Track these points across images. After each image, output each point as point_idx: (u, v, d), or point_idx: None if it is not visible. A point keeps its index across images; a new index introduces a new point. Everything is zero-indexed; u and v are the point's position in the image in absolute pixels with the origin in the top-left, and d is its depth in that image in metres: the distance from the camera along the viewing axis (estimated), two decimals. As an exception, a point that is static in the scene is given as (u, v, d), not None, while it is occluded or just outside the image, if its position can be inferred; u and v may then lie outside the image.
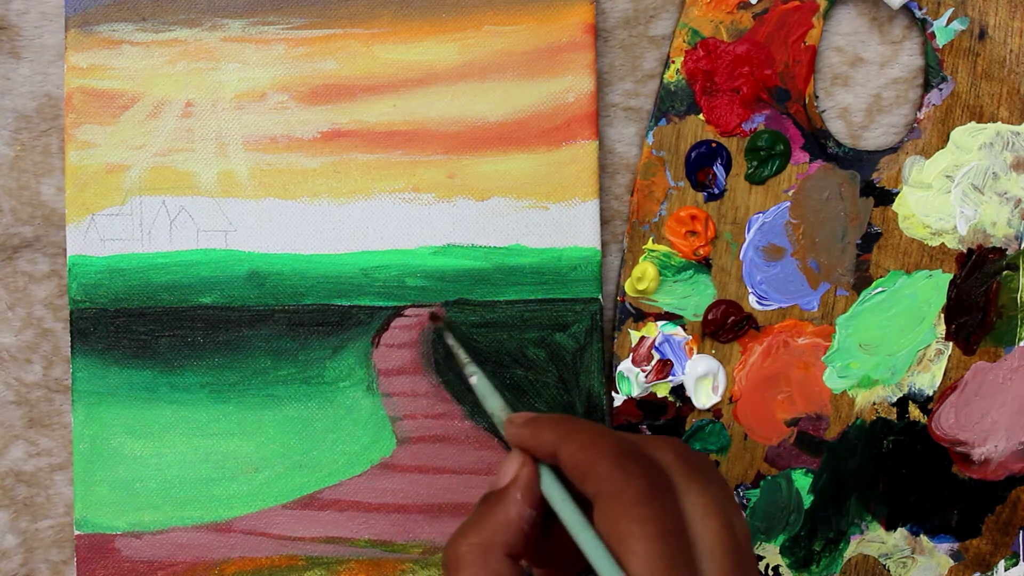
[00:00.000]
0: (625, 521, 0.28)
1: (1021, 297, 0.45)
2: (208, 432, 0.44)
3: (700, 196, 0.44)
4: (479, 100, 0.44)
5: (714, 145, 0.44)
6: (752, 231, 0.44)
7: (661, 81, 0.44)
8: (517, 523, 0.30)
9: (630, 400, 0.44)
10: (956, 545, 0.45)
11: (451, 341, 0.40)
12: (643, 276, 0.44)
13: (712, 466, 0.32)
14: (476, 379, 0.37)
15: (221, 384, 0.44)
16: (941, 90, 0.44)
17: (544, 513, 0.32)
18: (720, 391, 0.44)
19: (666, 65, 0.44)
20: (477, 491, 0.44)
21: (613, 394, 0.44)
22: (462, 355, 0.39)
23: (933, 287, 0.44)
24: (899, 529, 0.45)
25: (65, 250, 0.44)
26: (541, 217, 0.44)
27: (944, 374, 0.45)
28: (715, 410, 0.44)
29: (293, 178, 0.44)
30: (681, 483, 0.29)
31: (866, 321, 0.44)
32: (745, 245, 0.44)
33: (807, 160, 0.44)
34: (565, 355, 0.44)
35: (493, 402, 0.36)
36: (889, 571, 0.45)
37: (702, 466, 0.31)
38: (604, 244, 0.45)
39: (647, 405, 0.44)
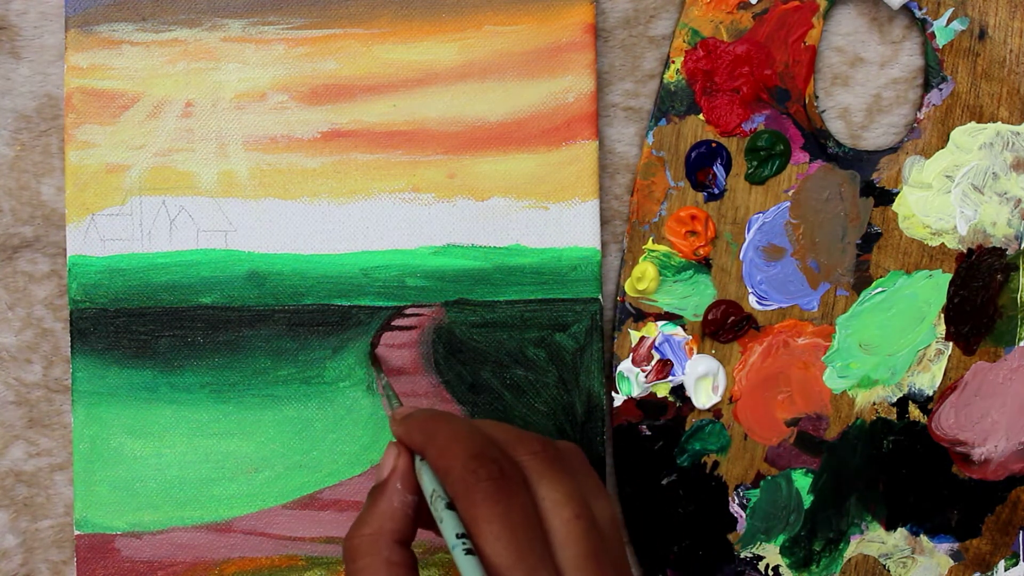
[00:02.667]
0: (474, 520, 0.31)
1: (1021, 297, 0.45)
2: (208, 432, 0.44)
3: (700, 196, 0.44)
4: (479, 100, 0.44)
5: (714, 145, 0.44)
6: (752, 231, 0.44)
7: (661, 81, 0.44)
8: (401, 510, 0.33)
9: (630, 400, 0.44)
10: (956, 545, 0.45)
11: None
12: (643, 276, 0.44)
13: (574, 458, 0.35)
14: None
15: (221, 384, 0.44)
16: (941, 90, 0.44)
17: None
18: (720, 391, 0.44)
19: (666, 65, 0.44)
20: (477, 491, 0.44)
21: (613, 394, 0.44)
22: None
23: (933, 287, 0.44)
24: (899, 529, 0.45)
25: (65, 250, 0.44)
26: (541, 217, 0.44)
27: (944, 374, 0.45)
28: (715, 410, 0.44)
29: (293, 178, 0.44)
30: (534, 479, 0.32)
31: (866, 321, 0.44)
32: (745, 245, 0.44)
33: (807, 160, 0.44)
34: (565, 355, 0.44)
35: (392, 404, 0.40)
36: (889, 571, 0.45)
37: (560, 460, 0.33)
38: (604, 244, 0.45)
39: (647, 405, 0.44)
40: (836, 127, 0.45)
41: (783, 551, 0.45)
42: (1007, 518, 0.45)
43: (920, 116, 0.44)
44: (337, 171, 0.44)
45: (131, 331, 0.44)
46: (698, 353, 0.44)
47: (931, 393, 0.45)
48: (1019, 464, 0.45)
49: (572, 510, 0.32)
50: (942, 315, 0.45)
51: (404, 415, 0.36)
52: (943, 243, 0.44)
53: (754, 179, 0.44)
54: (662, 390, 0.44)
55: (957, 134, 0.44)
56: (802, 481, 0.45)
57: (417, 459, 0.34)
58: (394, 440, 0.35)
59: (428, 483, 0.33)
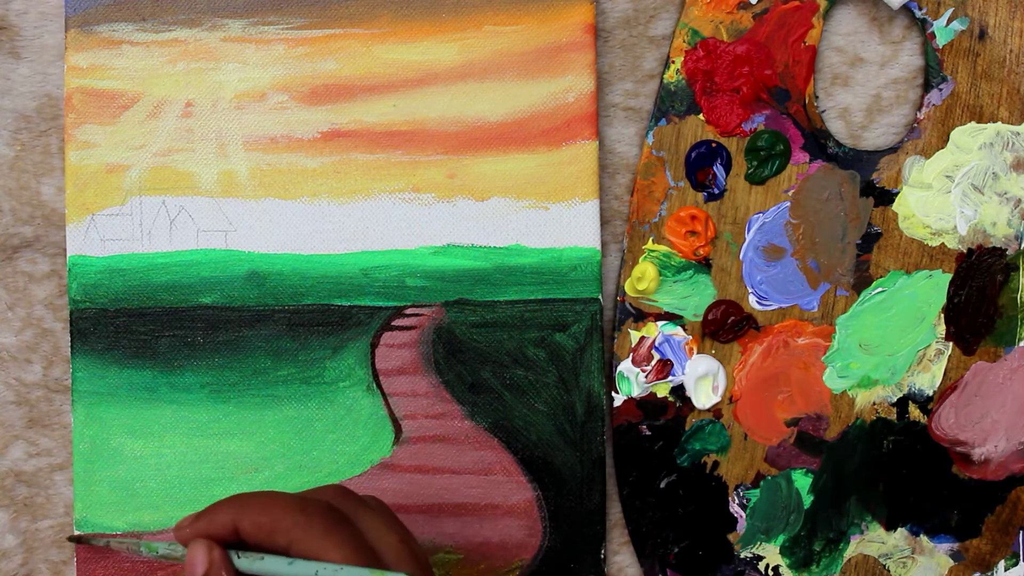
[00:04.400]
0: (324, 551, 0.32)
1: (1021, 297, 0.45)
2: (208, 432, 0.44)
3: (700, 196, 0.44)
4: (479, 100, 0.44)
5: (714, 145, 0.44)
6: (752, 231, 0.44)
7: (661, 81, 0.44)
8: None
9: (630, 400, 0.44)
10: (956, 545, 0.45)
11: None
12: (643, 276, 0.44)
13: (377, 501, 0.36)
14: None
15: (221, 384, 0.44)
16: (941, 90, 0.44)
17: None
18: (720, 391, 0.44)
19: (666, 65, 0.44)
20: (477, 491, 0.44)
21: (613, 394, 0.44)
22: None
23: (933, 287, 0.44)
24: (899, 529, 0.45)
25: (65, 250, 0.44)
26: (541, 217, 0.44)
27: (944, 374, 0.45)
28: (715, 410, 0.44)
29: (293, 178, 0.44)
30: (353, 514, 0.34)
31: (866, 321, 0.44)
32: (745, 245, 0.44)
33: (807, 160, 0.44)
34: (565, 355, 0.44)
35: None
36: (889, 571, 0.45)
37: (367, 500, 0.36)
38: (604, 244, 0.45)
39: (647, 405, 0.44)
40: (836, 127, 0.45)
41: (783, 551, 0.45)
42: (1007, 518, 0.45)
43: (920, 116, 0.44)
44: (337, 171, 0.44)
45: (131, 331, 0.44)
46: (698, 353, 0.44)
47: (931, 393, 0.45)
48: (1019, 464, 0.45)
49: (397, 535, 0.34)
50: (942, 315, 0.45)
51: (195, 515, 0.35)
52: (943, 243, 0.44)
53: (754, 179, 0.44)
54: (662, 390, 0.44)
55: (957, 134, 0.44)
56: (802, 481, 0.45)
57: (230, 553, 0.34)
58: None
59: (253, 554, 0.33)
